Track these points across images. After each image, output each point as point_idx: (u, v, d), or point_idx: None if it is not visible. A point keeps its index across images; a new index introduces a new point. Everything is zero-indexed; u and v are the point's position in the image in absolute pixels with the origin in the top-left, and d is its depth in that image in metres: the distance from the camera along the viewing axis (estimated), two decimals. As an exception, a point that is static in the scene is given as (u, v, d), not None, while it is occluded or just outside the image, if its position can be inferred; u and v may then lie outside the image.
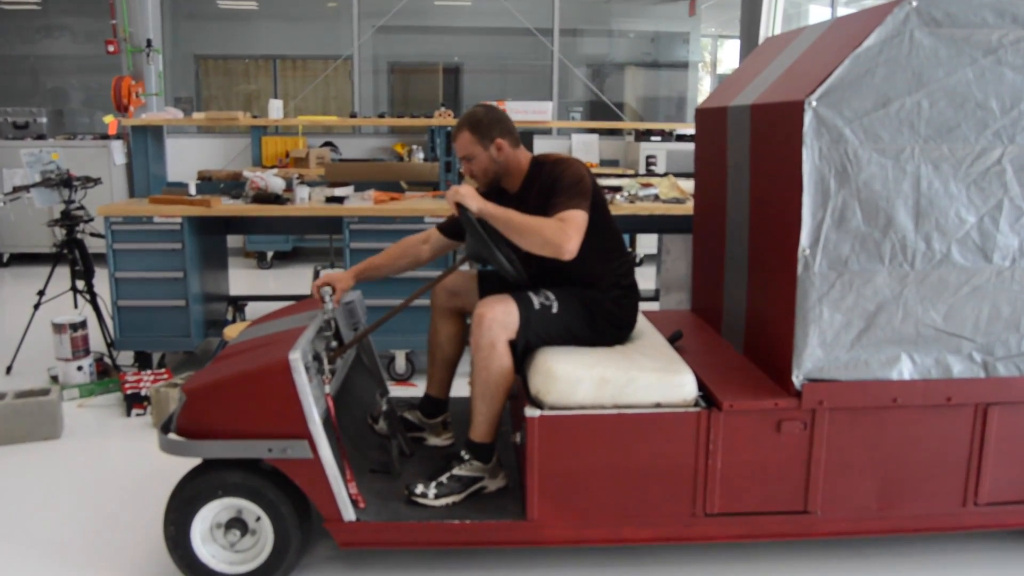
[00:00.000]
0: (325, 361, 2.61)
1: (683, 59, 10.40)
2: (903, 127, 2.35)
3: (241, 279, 7.32)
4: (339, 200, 4.46)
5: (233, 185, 4.86)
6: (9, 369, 4.65)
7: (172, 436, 2.52)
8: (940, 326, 2.48)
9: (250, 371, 2.48)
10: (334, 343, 2.88)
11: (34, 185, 4.50)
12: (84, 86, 9.47)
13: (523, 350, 2.69)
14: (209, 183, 5.08)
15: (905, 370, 2.49)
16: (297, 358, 2.42)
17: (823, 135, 2.34)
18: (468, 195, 2.62)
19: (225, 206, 4.36)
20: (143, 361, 4.56)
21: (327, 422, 2.55)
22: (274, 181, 4.56)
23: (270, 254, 7.89)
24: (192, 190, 4.49)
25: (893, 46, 2.30)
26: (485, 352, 2.58)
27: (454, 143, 2.88)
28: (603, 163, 8.29)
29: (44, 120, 7.66)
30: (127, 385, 4.15)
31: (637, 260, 8.02)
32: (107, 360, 4.56)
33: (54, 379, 4.38)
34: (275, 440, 2.44)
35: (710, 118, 3.19)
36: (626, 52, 10.47)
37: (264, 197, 4.45)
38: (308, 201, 4.53)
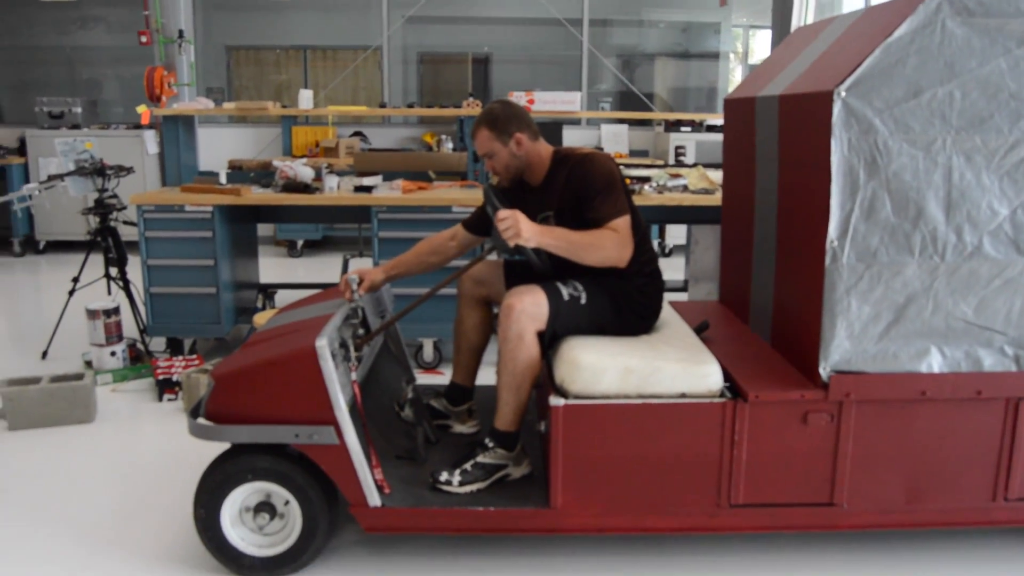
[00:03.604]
0: (351, 348, 2.64)
1: (714, 49, 10.30)
2: (934, 118, 2.32)
3: (272, 267, 7.41)
4: (367, 189, 4.49)
5: (263, 174, 4.91)
6: (45, 354, 4.75)
7: (201, 421, 2.57)
8: (971, 319, 2.44)
9: (277, 357, 2.51)
10: (361, 331, 2.91)
11: (69, 174, 4.58)
12: (119, 77, 9.58)
13: (549, 340, 2.71)
14: (239, 172, 5.13)
15: (935, 363, 2.46)
16: (324, 345, 2.45)
17: (852, 126, 2.32)
18: (524, 231, 2.50)
19: (255, 195, 4.41)
20: (175, 347, 4.63)
21: (353, 409, 2.57)
22: (303, 170, 4.60)
23: (300, 243, 7.96)
24: (223, 179, 4.55)
25: (924, 36, 2.27)
26: (513, 343, 2.59)
27: (473, 141, 2.88)
28: (632, 153, 8.26)
29: (79, 110, 7.77)
30: (159, 371, 4.22)
31: (666, 251, 8.00)
32: (140, 346, 4.64)
33: (88, 364, 4.47)
34: (302, 426, 2.47)
35: (739, 108, 3.16)
36: (657, 42, 10.40)
37: (293, 186, 4.49)
38: (337, 190, 4.57)
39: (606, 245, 2.61)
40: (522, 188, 2.92)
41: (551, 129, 7.75)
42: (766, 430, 2.48)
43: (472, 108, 5.38)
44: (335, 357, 2.52)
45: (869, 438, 2.50)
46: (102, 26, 9.55)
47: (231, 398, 2.54)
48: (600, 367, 2.50)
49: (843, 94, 2.30)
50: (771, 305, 2.87)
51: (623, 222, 2.64)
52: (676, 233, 7.78)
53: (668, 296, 5.17)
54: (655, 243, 7.96)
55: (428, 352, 4.53)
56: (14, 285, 6.94)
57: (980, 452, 2.52)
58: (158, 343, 4.78)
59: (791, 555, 2.70)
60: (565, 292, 2.68)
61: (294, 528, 2.56)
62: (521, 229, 2.49)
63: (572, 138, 8.34)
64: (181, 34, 7.41)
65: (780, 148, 2.74)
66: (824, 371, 2.46)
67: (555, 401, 2.48)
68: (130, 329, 4.72)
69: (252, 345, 2.76)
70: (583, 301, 2.69)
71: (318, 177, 4.60)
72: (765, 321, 2.93)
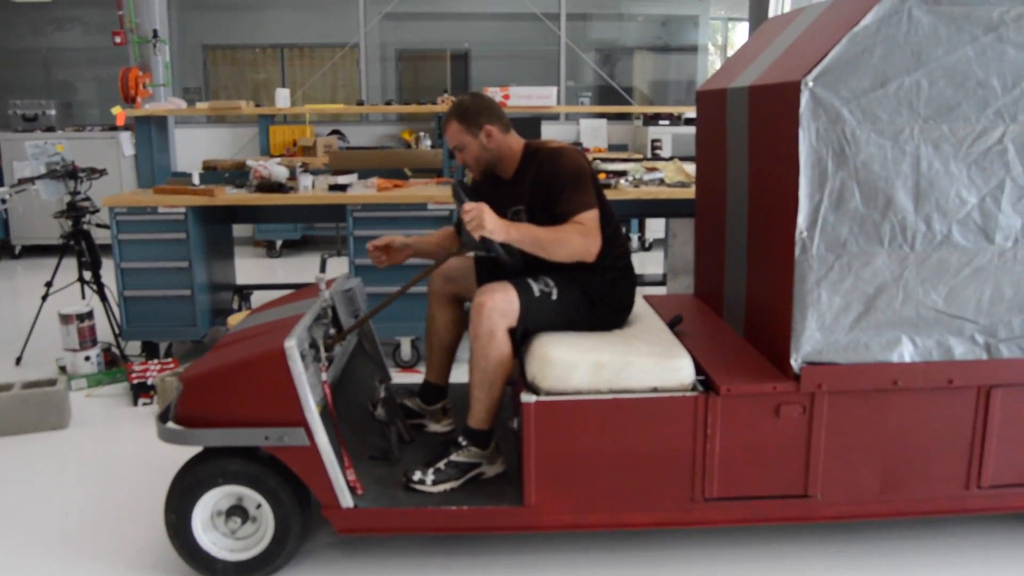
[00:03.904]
0: (321, 349, 2.61)
1: (693, 42, 10.30)
2: (902, 107, 2.31)
3: (251, 268, 7.36)
4: (342, 188, 4.46)
5: (238, 174, 4.86)
6: (19, 360, 4.69)
7: (170, 425, 2.53)
8: (941, 308, 2.44)
9: (246, 359, 2.48)
10: (332, 331, 2.88)
11: (39, 177, 4.52)
12: (94, 78, 9.49)
13: (521, 336, 2.69)
14: (214, 173, 5.08)
15: (906, 353, 2.46)
16: (292, 346, 2.42)
17: (820, 116, 2.31)
18: (491, 227, 2.49)
19: (228, 195, 4.37)
20: (150, 351, 4.58)
21: (325, 409, 2.55)
22: (277, 170, 4.56)
23: (279, 243, 7.92)
24: (196, 180, 4.50)
25: (891, 25, 2.26)
26: (484, 341, 2.58)
27: (444, 134, 2.86)
28: (612, 148, 8.25)
29: (53, 112, 7.69)
30: (133, 375, 4.18)
31: (646, 245, 7.99)
32: (115, 350, 4.59)
33: (62, 369, 4.42)
34: (272, 428, 2.44)
35: (710, 100, 3.15)
36: (636, 36, 10.39)
37: (267, 186, 4.45)
38: (311, 189, 4.53)
39: (572, 240, 2.59)
40: (496, 182, 2.90)
41: (530, 124, 7.71)
42: (739, 423, 2.48)
43: (446, 104, 5.35)
44: (305, 358, 2.49)
45: (842, 429, 2.49)
46: (78, 27, 9.46)
47: (200, 401, 2.51)
48: (571, 363, 2.48)
49: (810, 84, 2.29)
50: (743, 297, 2.86)
51: (590, 216, 2.62)
52: (656, 227, 7.78)
53: (647, 290, 5.19)
54: (634, 237, 7.96)
55: (406, 351, 4.50)
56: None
57: (953, 441, 2.52)
58: (134, 347, 4.73)
59: (767, 548, 2.70)
60: (536, 288, 2.66)
61: (266, 531, 2.54)
62: (485, 221, 2.47)
63: (551, 133, 8.31)
64: (155, 34, 7.33)
65: (750, 140, 2.73)
66: (795, 363, 2.45)
67: (526, 398, 2.46)
68: (105, 333, 4.67)
69: (222, 347, 2.72)
70: (554, 297, 2.67)
71: (292, 176, 4.56)
72: (738, 314, 2.92)
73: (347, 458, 2.56)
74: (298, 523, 2.52)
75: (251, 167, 4.59)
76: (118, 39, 7.33)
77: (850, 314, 2.43)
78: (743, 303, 2.87)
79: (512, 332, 2.62)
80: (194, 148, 8.18)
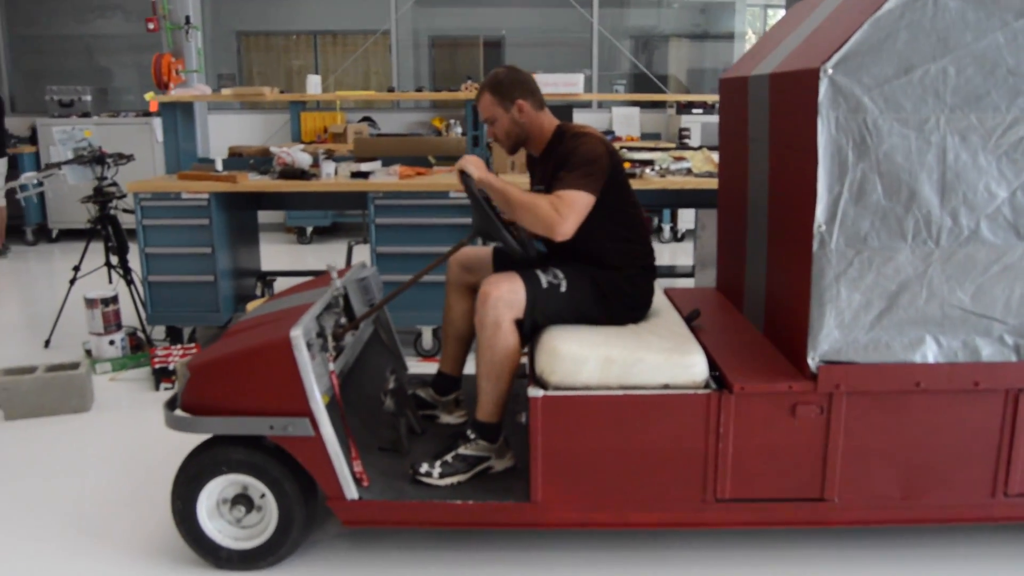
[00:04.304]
0: (329, 338, 2.58)
1: (730, 29, 10.10)
2: (927, 95, 2.21)
3: (282, 254, 7.40)
4: (364, 175, 4.43)
5: (262, 161, 4.86)
6: (47, 343, 4.76)
7: (177, 412, 2.53)
8: (968, 307, 2.34)
9: (252, 348, 2.46)
10: (343, 320, 2.86)
11: (67, 162, 4.56)
12: (133, 64, 9.59)
13: (531, 329, 2.64)
14: (239, 159, 5.09)
15: (929, 353, 2.36)
16: (298, 335, 2.40)
17: (840, 104, 2.21)
18: (472, 162, 2.62)
19: (250, 182, 4.37)
20: (174, 336, 4.61)
21: (332, 400, 2.52)
22: (300, 157, 4.55)
23: (310, 229, 7.94)
24: (219, 166, 4.51)
25: (916, 9, 2.16)
26: (490, 331, 2.53)
27: (477, 106, 2.84)
28: (644, 136, 8.13)
29: (89, 98, 7.78)
30: (156, 359, 4.20)
31: (678, 235, 7.87)
32: (140, 335, 4.63)
33: (88, 353, 4.46)
34: (277, 417, 2.42)
35: (733, 88, 3.06)
36: (674, 23, 10.22)
37: (290, 173, 4.44)
38: (334, 177, 4.51)
39: (540, 210, 2.51)
40: (531, 160, 2.94)
41: (560, 112, 7.60)
42: (753, 423, 2.40)
43: (471, 91, 5.29)
44: (311, 347, 2.47)
45: (861, 431, 2.40)
46: (119, 14, 9.55)
47: (206, 389, 2.50)
48: (580, 357, 2.42)
49: (830, 71, 2.19)
50: (763, 292, 2.77)
51: (574, 195, 2.52)
52: (688, 217, 7.65)
53: (679, 282, 5.12)
54: (667, 227, 7.84)
55: (427, 340, 4.47)
56: (27, 273, 6.99)
57: (978, 446, 2.42)
58: (159, 332, 4.77)
59: (780, 552, 2.62)
60: (544, 280, 2.60)
61: (271, 521, 2.52)
62: (467, 162, 2.60)
63: (582, 121, 8.19)
64: (188, 20, 7.38)
65: (771, 129, 2.64)
66: (813, 361, 2.36)
67: (534, 392, 2.41)
68: (131, 318, 4.71)
69: (232, 335, 2.71)
70: (563, 289, 2.61)
71: (315, 163, 4.55)
72: (758, 309, 2.84)
73: (354, 449, 2.53)
74: (302, 514, 2.50)
75: (275, 153, 4.58)
76: (151, 26, 7.39)
77: (871, 312, 2.34)
78: (763, 298, 2.78)
79: (520, 324, 2.57)
80: (226, 134, 8.23)
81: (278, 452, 2.50)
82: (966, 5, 2.15)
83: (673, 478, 2.45)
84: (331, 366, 2.57)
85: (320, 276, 3.29)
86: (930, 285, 2.32)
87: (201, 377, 2.51)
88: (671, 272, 5.85)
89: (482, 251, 3.00)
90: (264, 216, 8.04)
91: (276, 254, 7.31)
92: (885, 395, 2.38)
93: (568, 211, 2.50)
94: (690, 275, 5.45)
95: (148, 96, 6.03)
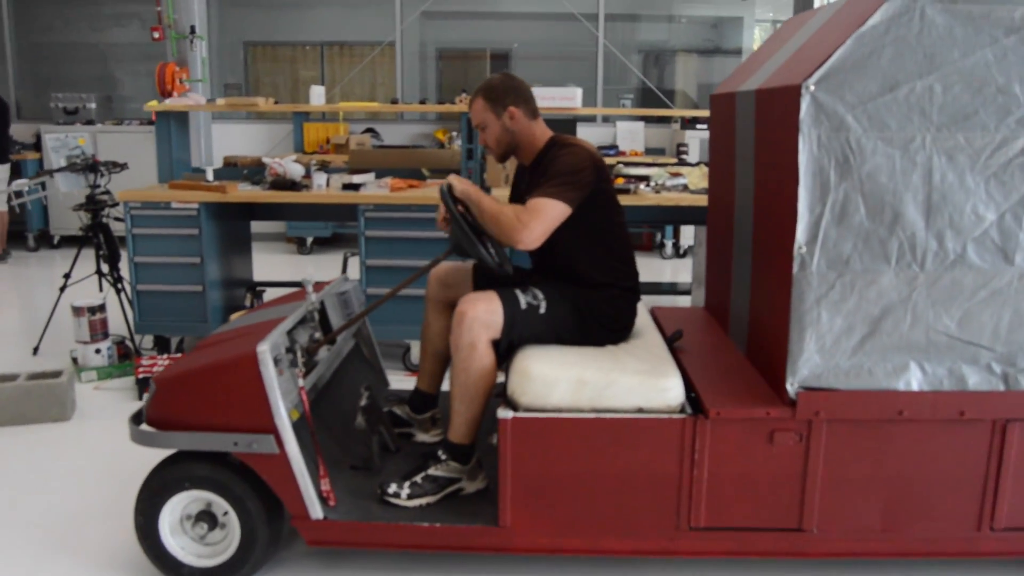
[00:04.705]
0: (298, 353, 2.52)
1: (738, 45, 10.04)
2: (913, 114, 2.13)
3: (281, 264, 7.38)
4: (355, 187, 4.39)
5: (256, 171, 4.83)
6: (36, 350, 4.72)
7: (143, 427, 2.48)
8: (954, 333, 2.25)
9: (218, 363, 2.41)
10: (317, 334, 2.80)
11: (58, 170, 4.54)
12: (141, 72, 9.62)
13: (507, 349, 2.57)
14: (234, 168, 5.06)
15: (914, 380, 2.28)
16: (265, 350, 2.34)
17: (822, 122, 2.14)
18: (456, 177, 2.58)
19: (240, 192, 4.33)
20: (162, 345, 4.57)
21: (302, 417, 2.46)
22: (293, 167, 4.51)
23: (310, 240, 7.91)
24: (210, 176, 4.47)
25: (901, 24, 2.09)
26: (465, 352, 2.46)
27: (469, 111, 2.79)
28: (648, 151, 8.07)
29: (93, 106, 7.79)
30: (140, 369, 4.16)
31: (680, 252, 7.79)
32: (128, 343, 4.59)
33: (75, 361, 4.42)
34: (242, 434, 2.37)
35: (722, 104, 3.00)
36: (682, 38, 10.17)
37: (281, 183, 4.40)
38: (325, 188, 4.47)
39: (505, 219, 2.47)
40: (521, 171, 2.88)
41: (564, 126, 7.56)
42: (729, 449, 2.32)
43: (464, 104, 5.25)
44: (279, 363, 2.41)
45: (841, 460, 2.32)
46: (136, 22, 9.58)
47: (172, 403, 2.45)
48: (552, 378, 2.35)
49: (811, 88, 2.12)
50: (746, 314, 2.70)
51: (545, 204, 2.46)
52: (691, 233, 7.58)
53: (678, 300, 5.03)
54: (668, 243, 7.76)
55: (415, 354, 4.40)
56: (26, 279, 6.98)
57: (964, 477, 2.33)
58: (149, 341, 4.72)
59: (761, 581, 2.53)
60: (523, 300, 2.54)
61: (233, 539, 2.46)
62: (451, 176, 2.58)
63: (585, 135, 8.14)
64: (193, 29, 7.37)
65: (756, 147, 2.57)
66: (791, 387, 2.28)
67: (503, 413, 2.34)
68: (122, 326, 4.67)
69: (202, 348, 2.66)
70: (542, 311, 2.54)
71: (307, 175, 4.51)
72: (742, 331, 2.76)
73: (322, 467, 2.46)
74: (265, 532, 2.43)
75: (267, 164, 4.54)
76: (156, 35, 7.39)
77: (853, 337, 2.26)
78: (746, 320, 2.71)
79: (496, 343, 2.50)
80: (230, 143, 8.23)
81: (243, 469, 2.44)
82: (954, 21, 2.08)
83: (646, 504, 2.37)
84: (300, 382, 2.51)
85: (299, 290, 3.24)
86: (915, 310, 2.24)
87: (166, 391, 2.46)
88: (672, 289, 5.76)
89: (462, 267, 2.94)
90: (265, 226, 8.05)
91: (275, 264, 7.28)
92: (867, 423, 2.30)
93: (531, 219, 2.44)
94: (687, 292, 5.38)
95: (148, 106, 6.02)
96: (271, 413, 2.34)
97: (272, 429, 2.35)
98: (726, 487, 2.34)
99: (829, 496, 2.34)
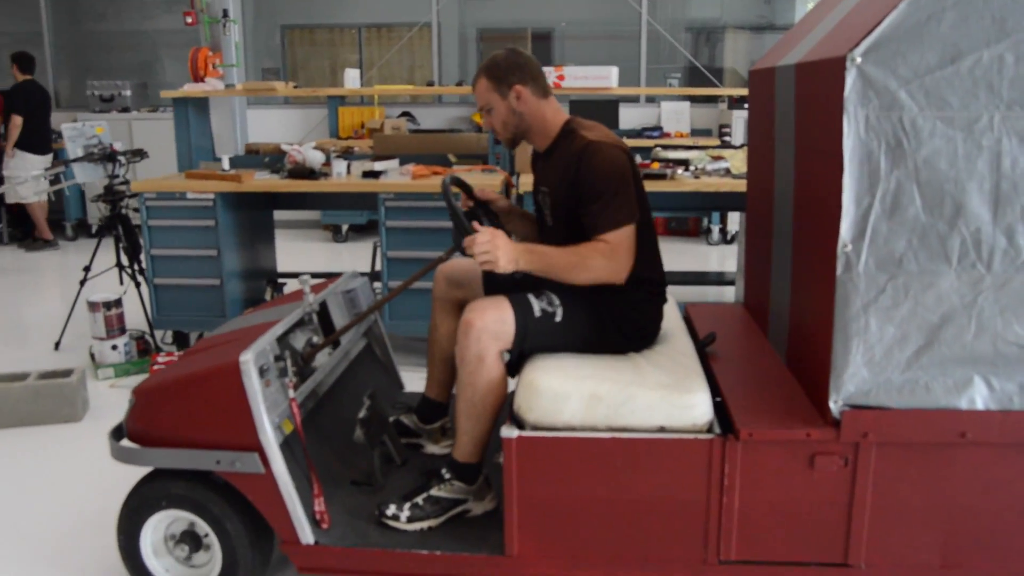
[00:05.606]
0: (288, 362, 2.31)
1: (791, 21, 9.58)
2: (979, 89, 1.81)
3: (315, 252, 7.24)
4: (376, 175, 4.17)
5: (276, 158, 4.65)
6: (57, 345, 4.64)
7: (123, 442, 2.30)
8: (1027, 343, 1.94)
9: (198, 373, 2.22)
10: (316, 338, 2.59)
11: (75, 160, 4.42)
12: (179, 58, 9.57)
13: (519, 359, 2.32)
14: (255, 156, 4.89)
15: (978, 397, 1.97)
16: (248, 360, 2.13)
17: (871, 100, 1.84)
18: (505, 264, 2.17)
19: (256, 181, 4.15)
20: (180, 341, 4.44)
21: (293, 431, 2.26)
22: (312, 155, 4.32)
23: (345, 227, 7.75)
24: (226, 164, 4.30)
25: (966, -17, 1.77)
26: (472, 366, 2.22)
27: (473, 92, 2.53)
28: (694, 132, 7.71)
29: (128, 93, 7.73)
30: (155, 366, 4.03)
31: (728, 238, 7.44)
32: (148, 339, 4.46)
33: (93, 357, 4.32)
34: (225, 451, 2.17)
35: (761, 81, 2.69)
36: (740, 14, 9.74)
37: (299, 172, 4.21)
38: (345, 176, 4.27)
39: (594, 264, 2.22)
40: (535, 157, 2.60)
41: (605, 107, 7.26)
42: (763, 474, 2.04)
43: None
44: (266, 373, 2.20)
45: (893, 488, 2.02)
46: (168, 9, 9.52)
47: (152, 417, 2.28)
48: (562, 393, 2.10)
49: (858, 60, 1.82)
50: (787, 317, 2.40)
51: (621, 234, 2.23)
52: (739, 220, 7.22)
53: (719, 291, 4.71)
54: (715, 229, 7.40)
55: (440, 351, 4.18)
56: (65, 268, 6.96)
57: (1037, 509, 2.02)
58: (170, 337, 4.60)
59: (801, 618, 2.25)
60: (537, 307, 2.28)
61: (216, 563, 2.27)
62: (499, 257, 2.14)
63: (629, 116, 7.82)
64: (225, 13, 7.23)
65: (796, 128, 2.27)
66: (835, 405, 1.99)
67: (507, 432, 2.10)
68: (141, 321, 4.55)
69: (190, 354, 2.48)
70: (558, 319, 2.29)
71: (327, 162, 4.31)
72: (782, 334, 2.47)
73: (317, 485, 2.26)
74: (247, 557, 2.24)
75: (286, 151, 4.36)
76: (188, 19, 7.26)
77: (907, 348, 1.95)
78: (787, 323, 2.41)
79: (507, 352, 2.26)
80: (267, 129, 8.11)
81: (229, 489, 2.24)
82: (1029, -22, 1.76)
83: (669, 534, 2.11)
84: (291, 393, 2.29)
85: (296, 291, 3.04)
86: (980, 317, 1.93)
87: (146, 403, 2.28)
88: (719, 279, 5.45)
89: (471, 264, 2.68)
90: (299, 215, 7.91)
91: (309, 252, 7.14)
92: (923, 446, 2.00)
93: (622, 253, 2.25)
94: (731, 283, 5.07)
95: (164, 93, 5.89)
96: (255, 429, 2.14)
97: (256, 446, 2.15)
98: (760, 516, 2.07)
99: (879, 528, 2.05)
